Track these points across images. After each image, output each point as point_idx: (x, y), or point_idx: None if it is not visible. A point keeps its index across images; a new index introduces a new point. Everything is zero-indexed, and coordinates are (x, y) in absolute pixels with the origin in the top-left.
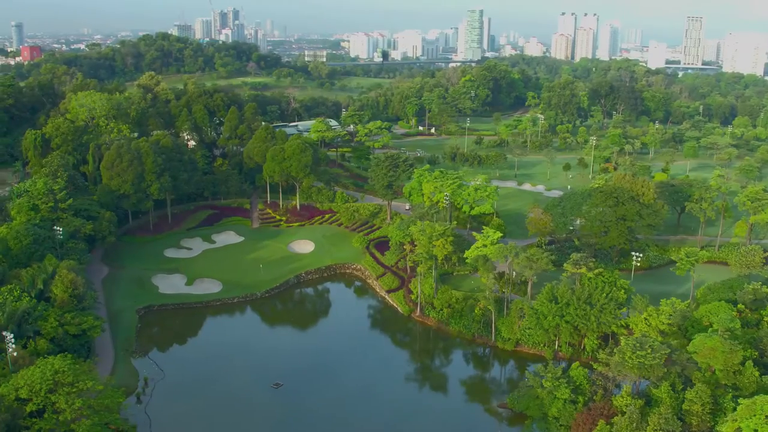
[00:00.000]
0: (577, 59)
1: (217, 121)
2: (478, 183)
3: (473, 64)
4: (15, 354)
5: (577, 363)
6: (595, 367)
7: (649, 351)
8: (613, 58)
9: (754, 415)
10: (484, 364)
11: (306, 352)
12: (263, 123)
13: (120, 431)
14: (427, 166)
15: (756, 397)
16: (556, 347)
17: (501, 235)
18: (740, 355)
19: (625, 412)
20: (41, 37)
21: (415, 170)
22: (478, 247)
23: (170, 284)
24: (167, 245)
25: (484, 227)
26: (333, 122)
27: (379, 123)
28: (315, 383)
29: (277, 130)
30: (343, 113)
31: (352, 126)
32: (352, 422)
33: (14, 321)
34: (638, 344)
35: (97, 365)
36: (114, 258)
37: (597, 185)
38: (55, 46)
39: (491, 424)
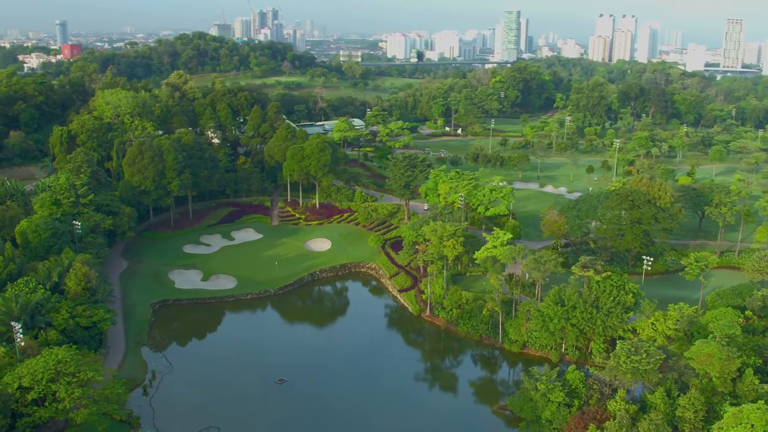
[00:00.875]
0: (615, 61)
1: (241, 120)
2: (493, 184)
3: (509, 65)
4: (23, 344)
5: (573, 366)
6: (591, 370)
7: (644, 356)
8: (651, 60)
9: (740, 424)
10: (490, 366)
11: (313, 349)
12: (287, 122)
13: (122, 422)
14: (444, 166)
15: (743, 405)
16: (563, 350)
17: (511, 236)
18: (738, 362)
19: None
20: (85, 36)
21: (431, 170)
22: (488, 248)
23: (186, 279)
24: (187, 241)
25: (494, 228)
26: (358, 122)
27: (400, 123)
28: (318, 380)
29: (299, 128)
30: (368, 113)
31: (375, 126)
32: (353, 419)
33: (27, 312)
34: (633, 349)
35: (107, 357)
36: (133, 253)
37: (613, 188)
38: (98, 44)
39: (491, 425)
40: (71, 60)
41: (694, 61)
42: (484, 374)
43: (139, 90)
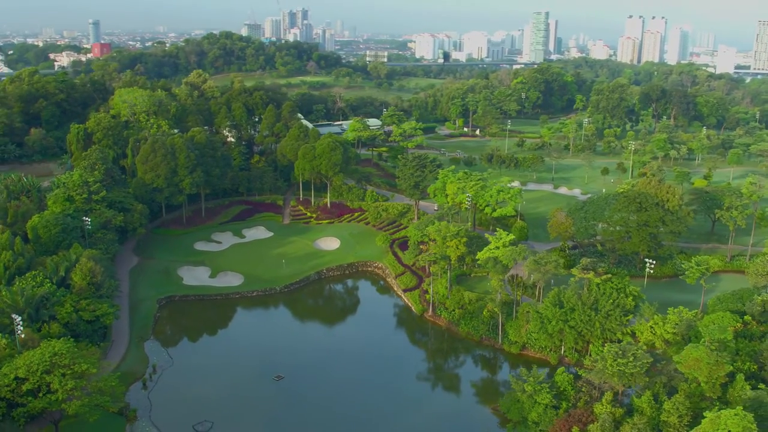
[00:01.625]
0: (643, 63)
1: (257, 119)
2: (501, 185)
3: (536, 67)
4: (23, 336)
5: (562, 368)
6: (580, 373)
7: (631, 359)
8: (681, 62)
9: (717, 430)
10: (488, 367)
11: (314, 346)
12: (300, 121)
13: (118, 414)
14: (453, 167)
15: (722, 410)
16: (562, 352)
17: (513, 237)
18: (726, 367)
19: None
20: (118, 35)
21: (440, 171)
22: (490, 249)
23: (194, 276)
24: (198, 238)
25: (497, 229)
26: (375, 122)
27: (413, 123)
28: (316, 377)
29: (312, 128)
30: (383, 113)
31: (390, 126)
32: (347, 417)
33: (32, 305)
34: (620, 352)
35: (110, 350)
36: (145, 249)
37: (621, 190)
38: (131, 43)
39: (486, 426)
40: (99, 59)
41: (724, 64)
42: (482, 375)
43: (156, 89)
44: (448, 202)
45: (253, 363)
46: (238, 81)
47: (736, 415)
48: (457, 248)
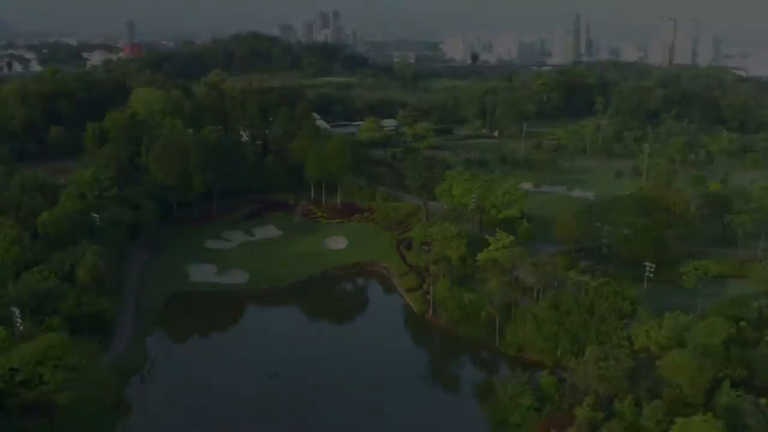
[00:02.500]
0: (672, 66)
1: (271, 119)
2: (507, 186)
3: (564, 68)
4: (21, 328)
5: (546, 371)
6: (565, 376)
7: (612, 363)
8: (713, 65)
9: None
10: (483, 368)
11: (312, 345)
12: (314, 121)
13: (113, 407)
14: (461, 168)
15: (693, 416)
16: (559, 355)
17: (513, 238)
18: (710, 373)
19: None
20: (152, 34)
21: (447, 172)
22: (490, 251)
23: (201, 273)
24: (209, 236)
25: (498, 231)
26: (392, 122)
27: (425, 125)
28: (312, 375)
29: (322, 128)
30: (398, 114)
31: (404, 127)
32: (339, 414)
33: (36, 299)
34: (602, 355)
35: (112, 345)
36: (155, 246)
37: (629, 193)
38: (164, 42)
39: (475, 426)
40: (129, 59)
41: (757, 67)
42: (478, 376)
43: (173, 89)
44: (455, 204)
45: (252, 360)
46: (257, 81)
47: (705, 421)
48: (458, 249)
